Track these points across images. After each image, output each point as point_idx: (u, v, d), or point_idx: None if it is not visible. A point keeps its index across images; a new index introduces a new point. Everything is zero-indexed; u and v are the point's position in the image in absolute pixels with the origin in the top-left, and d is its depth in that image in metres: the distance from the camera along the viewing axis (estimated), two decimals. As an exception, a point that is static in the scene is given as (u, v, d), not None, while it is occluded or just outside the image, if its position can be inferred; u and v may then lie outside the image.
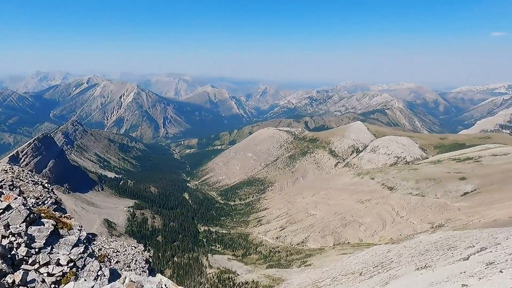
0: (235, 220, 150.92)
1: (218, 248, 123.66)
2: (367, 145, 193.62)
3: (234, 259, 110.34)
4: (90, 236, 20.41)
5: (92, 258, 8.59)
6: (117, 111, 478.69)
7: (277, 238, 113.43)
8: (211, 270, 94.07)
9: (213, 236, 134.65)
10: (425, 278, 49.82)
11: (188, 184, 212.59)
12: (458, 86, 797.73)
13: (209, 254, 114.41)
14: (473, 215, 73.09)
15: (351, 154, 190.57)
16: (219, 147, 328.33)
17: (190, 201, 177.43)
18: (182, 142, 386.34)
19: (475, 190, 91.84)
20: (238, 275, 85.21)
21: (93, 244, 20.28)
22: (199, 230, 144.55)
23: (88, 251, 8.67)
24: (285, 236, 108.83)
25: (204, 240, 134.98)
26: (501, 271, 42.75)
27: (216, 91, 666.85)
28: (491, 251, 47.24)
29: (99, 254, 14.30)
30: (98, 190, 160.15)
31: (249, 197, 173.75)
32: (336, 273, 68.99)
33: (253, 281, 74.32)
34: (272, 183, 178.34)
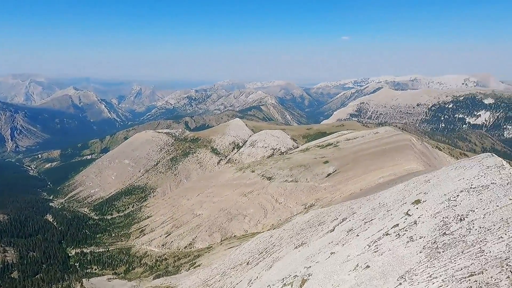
0: (114, 235, 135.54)
1: (95, 269, 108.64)
2: (247, 140, 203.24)
3: (116, 278, 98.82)
4: None
5: None
6: None
7: (163, 245, 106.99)
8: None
9: (88, 258, 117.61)
10: (302, 254, 53.99)
11: (51, 204, 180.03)
12: (318, 82, 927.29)
13: (84, 279, 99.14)
14: (335, 192, 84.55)
15: (232, 150, 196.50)
16: (89, 157, 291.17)
17: (55, 223, 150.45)
18: (39, 155, 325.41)
19: (335, 171, 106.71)
20: (121, 295, 76.07)
21: None
22: (70, 254, 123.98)
23: None
24: (172, 241, 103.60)
25: (77, 264, 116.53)
26: (357, 235, 49.58)
27: (81, 94, 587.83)
28: (349, 220, 54.76)
29: None
30: None
31: (128, 207, 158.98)
32: (225, 267, 68.84)
33: (138, 298, 67.31)
34: (154, 188, 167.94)
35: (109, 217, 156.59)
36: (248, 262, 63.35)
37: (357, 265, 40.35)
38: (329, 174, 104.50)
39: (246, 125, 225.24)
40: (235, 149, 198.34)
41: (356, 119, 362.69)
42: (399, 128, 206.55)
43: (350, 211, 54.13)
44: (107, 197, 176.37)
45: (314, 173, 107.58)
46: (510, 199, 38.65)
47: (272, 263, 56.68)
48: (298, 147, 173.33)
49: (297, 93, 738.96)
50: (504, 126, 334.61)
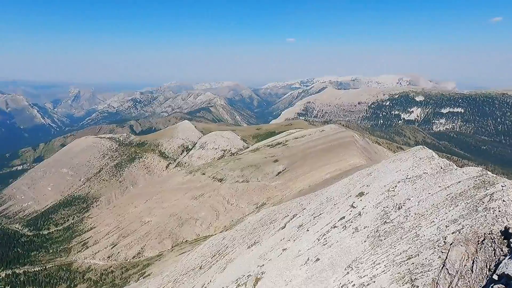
0: (51, 251, 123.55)
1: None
2: (196, 143, 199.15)
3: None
4: None
5: None
6: None
7: (109, 257, 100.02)
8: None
9: (21, 279, 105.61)
10: (255, 253, 54.01)
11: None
12: (266, 82, 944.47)
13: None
14: (286, 190, 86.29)
15: (181, 153, 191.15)
16: (20, 167, 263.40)
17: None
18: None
19: (285, 169, 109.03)
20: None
21: None
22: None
23: None
24: (118, 252, 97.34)
25: (8, 287, 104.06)
26: (307, 230, 50.88)
27: (8, 98, 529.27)
28: (300, 216, 56.09)
29: None
30: None
31: (68, 219, 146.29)
32: (177, 274, 66.40)
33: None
34: (97, 198, 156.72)
35: (45, 232, 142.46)
36: (201, 267, 61.70)
37: (308, 259, 41.24)
38: (279, 173, 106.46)
39: (195, 127, 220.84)
40: (185, 152, 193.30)
41: (303, 118, 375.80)
42: (343, 125, 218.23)
43: (300, 207, 55.45)
44: (43, 210, 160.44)
45: (265, 173, 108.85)
46: (439, 187, 42.35)
47: (226, 265, 55.84)
48: (248, 148, 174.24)
49: (246, 93, 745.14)
50: (433, 121, 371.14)
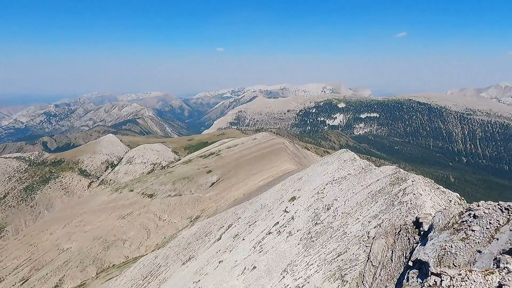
0: None
1: None
2: (122, 157, 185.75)
3: None
4: None
5: None
6: None
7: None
8: None
9: None
10: (191, 269, 51.57)
11: None
12: (197, 92, 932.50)
13: None
14: (220, 200, 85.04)
15: (105, 170, 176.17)
16: None
17: None
18: None
19: (219, 179, 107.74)
20: None
21: None
22: None
23: None
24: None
25: None
26: (243, 239, 50.48)
27: None
28: (235, 226, 55.44)
29: None
30: None
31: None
32: (105, 305, 60.11)
33: None
34: (2, 227, 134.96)
35: None
36: (131, 292, 56.92)
37: (245, 268, 40.64)
38: (213, 183, 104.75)
39: (121, 140, 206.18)
40: (109, 168, 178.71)
41: (235, 127, 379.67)
42: (274, 133, 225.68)
43: (235, 217, 54.89)
44: None
45: (198, 184, 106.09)
46: (362, 186, 45.72)
47: (159, 285, 52.25)
48: (180, 160, 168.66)
49: (176, 104, 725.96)
50: (354, 125, 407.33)
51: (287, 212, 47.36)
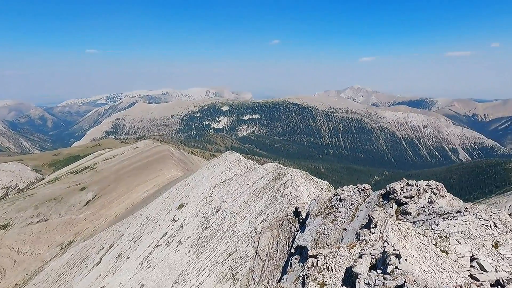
0: None
1: None
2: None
3: None
4: None
5: None
6: None
7: None
8: None
9: None
10: (67, 306, 44.01)
11: None
12: (64, 99, 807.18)
13: None
14: (98, 220, 75.51)
15: None
16: None
17: None
18: None
19: (96, 196, 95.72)
20: None
21: None
22: None
23: None
24: None
25: None
26: (128, 257, 45.86)
27: None
28: (118, 245, 49.91)
29: None
30: None
31: None
32: None
33: None
34: None
35: None
36: None
37: (131, 291, 36.88)
38: (88, 201, 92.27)
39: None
40: None
41: (113, 136, 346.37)
42: (158, 140, 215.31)
43: (118, 235, 49.47)
44: None
45: (70, 204, 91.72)
46: (248, 185, 47.46)
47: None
48: (44, 179, 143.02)
49: (36, 114, 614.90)
50: (238, 127, 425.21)
51: (175, 221, 45.37)
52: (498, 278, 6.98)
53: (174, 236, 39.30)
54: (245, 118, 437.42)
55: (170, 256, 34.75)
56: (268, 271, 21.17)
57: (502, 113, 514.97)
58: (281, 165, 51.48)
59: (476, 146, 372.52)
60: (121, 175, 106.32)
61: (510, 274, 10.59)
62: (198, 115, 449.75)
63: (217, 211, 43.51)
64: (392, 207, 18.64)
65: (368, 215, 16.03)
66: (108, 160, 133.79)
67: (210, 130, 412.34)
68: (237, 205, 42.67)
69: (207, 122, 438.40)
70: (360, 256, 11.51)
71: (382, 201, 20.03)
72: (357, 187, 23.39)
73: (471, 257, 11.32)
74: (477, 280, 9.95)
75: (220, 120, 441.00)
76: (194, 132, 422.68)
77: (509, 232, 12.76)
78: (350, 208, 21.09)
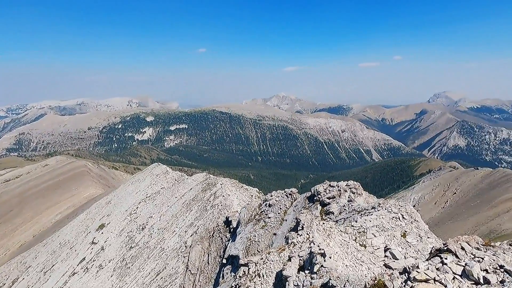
0: None
1: None
2: None
3: None
4: None
5: None
6: None
7: None
8: None
9: None
10: None
11: None
12: None
13: None
14: (-1, 251, 64.50)
15: None
16: None
17: None
18: None
19: None
20: None
21: None
22: None
23: None
24: None
25: None
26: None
27: None
28: (23, 278, 43.03)
29: None
30: None
31: None
32: None
33: None
34: None
35: None
36: None
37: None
38: None
39: None
40: None
41: (16, 153, 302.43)
42: (73, 155, 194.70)
43: (23, 267, 42.76)
44: None
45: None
46: (176, 197, 45.47)
47: None
48: None
49: None
50: (164, 138, 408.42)
51: (95, 243, 41.12)
52: (405, 266, 7.79)
53: (93, 261, 35.63)
54: (172, 128, 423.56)
55: (90, 283, 31.39)
56: (200, 285, 20.41)
57: (405, 117, 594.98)
58: (210, 175, 50.90)
59: (385, 147, 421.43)
60: (27, 198, 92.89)
61: (416, 259, 11.91)
62: (119, 126, 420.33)
63: (143, 228, 40.87)
64: (317, 208, 19.64)
65: (296, 218, 16.60)
66: (9, 182, 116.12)
67: (134, 142, 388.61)
68: (165, 220, 40.71)
69: (130, 134, 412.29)
70: (289, 259, 11.73)
71: (308, 203, 20.98)
72: (284, 191, 24.12)
73: (385, 247, 12.45)
74: (391, 268, 10.93)
75: (145, 131, 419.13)
76: (116, 145, 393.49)
77: (414, 222, 14.43)
78: (279, 213, 21.60)
